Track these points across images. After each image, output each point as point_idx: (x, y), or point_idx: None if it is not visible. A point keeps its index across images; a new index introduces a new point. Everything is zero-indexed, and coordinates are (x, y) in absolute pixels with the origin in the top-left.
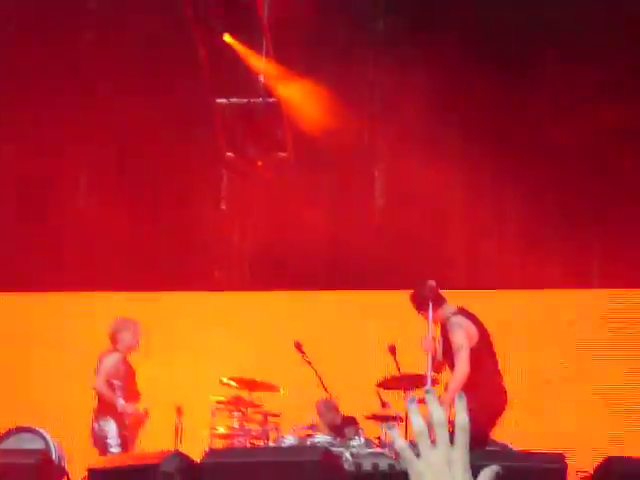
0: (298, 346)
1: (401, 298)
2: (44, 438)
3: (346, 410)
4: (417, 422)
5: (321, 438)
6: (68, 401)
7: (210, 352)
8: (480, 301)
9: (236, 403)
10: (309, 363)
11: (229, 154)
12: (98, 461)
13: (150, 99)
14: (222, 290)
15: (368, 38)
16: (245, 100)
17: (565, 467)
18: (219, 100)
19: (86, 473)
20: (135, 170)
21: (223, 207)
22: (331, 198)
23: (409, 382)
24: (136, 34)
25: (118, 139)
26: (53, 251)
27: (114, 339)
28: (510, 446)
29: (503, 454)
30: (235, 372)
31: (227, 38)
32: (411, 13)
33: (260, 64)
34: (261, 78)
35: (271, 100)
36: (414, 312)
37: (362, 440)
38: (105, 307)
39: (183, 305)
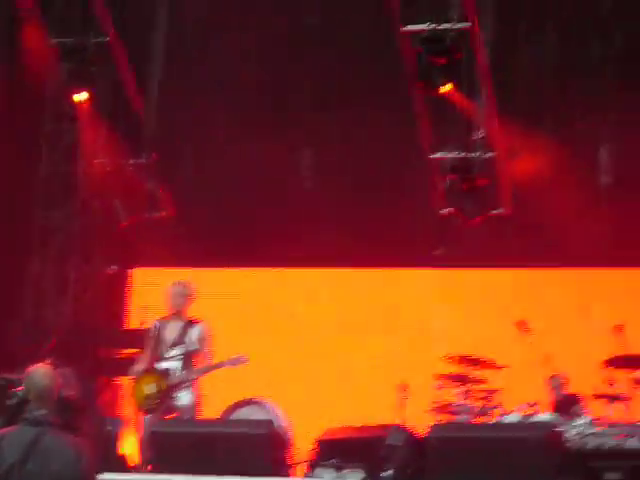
0: (521, 324)
1: (628, 276)
2: (271, 410)
3: (573, 388)
4: None
5: (544, 416)
6: (294, 372)
7: (433, 329)
8: None
9: (459, 380)
10: (533, 341)
11: (445, 211)
12: (324, 433)
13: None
14: (443, 267)
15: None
16: (462, 154)
17: None
18: (435, 155)
19: (313, 444)
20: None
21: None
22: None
23: (637, 362)
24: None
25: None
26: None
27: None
28: None
29: None
30: (458, 349)
31: (445, 90)
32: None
33: (479, 117)
34: (480, 132)
35: (489, 155)
36: None
37: (587, 419)
38: (325, 283)
39: (404, 281)
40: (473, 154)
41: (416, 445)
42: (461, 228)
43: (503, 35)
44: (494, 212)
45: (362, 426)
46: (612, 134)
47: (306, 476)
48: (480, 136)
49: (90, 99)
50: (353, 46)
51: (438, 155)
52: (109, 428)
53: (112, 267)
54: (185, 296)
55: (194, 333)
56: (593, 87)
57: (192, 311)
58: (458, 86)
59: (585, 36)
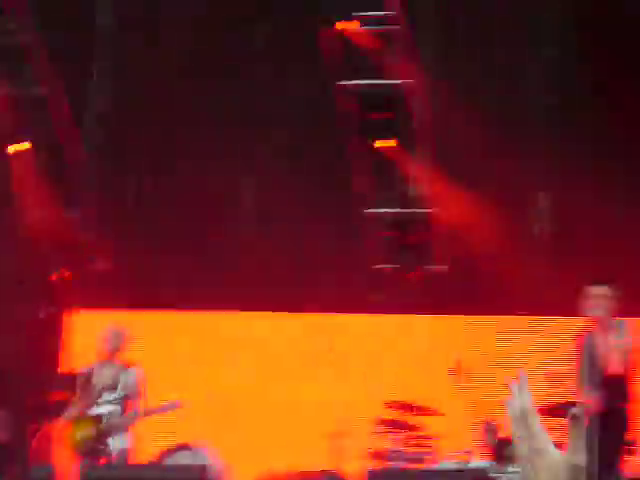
0: (455, 370)
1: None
2: (205, 455)
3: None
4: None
5: (478, 463)
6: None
7: (370, 375)
8: None
9: (396, 426)
10: (467, 388)
11: (381, 266)
12: (259, 477)
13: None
14: (379, 313)
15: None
16: (397, 210)
17: None
18: (369, 210)
19: None
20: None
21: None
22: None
23: (565, 409)
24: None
25: None
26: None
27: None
28: None
29: None
30: (396, 395)
31: (382, 145)
32: None
33: (415, 172)
34: (414, 187)
35: (424, 210)
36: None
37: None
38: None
39: (340, 327)
40: (410, 210)
41: None
42: (398, 280)
43: (441, 91)
44: (430, 267)
45: (297, 472)
46: (548, 184)
47: None
48: (417, 192)
49: (29, 150)
50: (293, 97)
51: (375, 210)
52: (40, 474)
53: (46, 310)
54: (120, 340)
55: (128, 377)
56: (528, 139)
57: (127, 355)
58: (396, 142)
59: (518, 87)
